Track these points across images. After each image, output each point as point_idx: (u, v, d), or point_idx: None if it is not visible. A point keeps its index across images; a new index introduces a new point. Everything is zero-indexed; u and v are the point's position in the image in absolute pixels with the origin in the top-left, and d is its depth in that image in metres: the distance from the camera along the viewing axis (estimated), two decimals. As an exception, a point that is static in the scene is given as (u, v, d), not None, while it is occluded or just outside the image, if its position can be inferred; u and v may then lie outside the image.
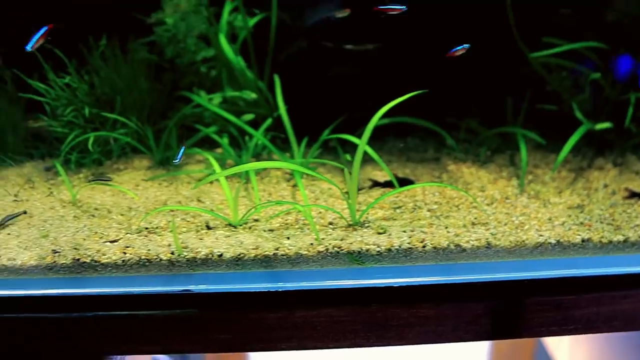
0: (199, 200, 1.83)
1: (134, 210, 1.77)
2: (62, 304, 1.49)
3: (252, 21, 2.14)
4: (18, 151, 2.08)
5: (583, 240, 1.60)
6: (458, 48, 1.64)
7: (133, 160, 2.12)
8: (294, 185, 1.92)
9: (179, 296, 1.49)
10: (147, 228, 1.66)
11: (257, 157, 2.11)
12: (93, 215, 1.73)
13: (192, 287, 1.49)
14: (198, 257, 1.53)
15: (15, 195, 1.86)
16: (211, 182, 1.92)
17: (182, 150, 1.68)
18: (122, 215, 1.74)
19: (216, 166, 1.77)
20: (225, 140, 2.08)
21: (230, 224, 1.67)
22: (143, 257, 1.53)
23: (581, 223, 1.69)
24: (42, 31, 1.65)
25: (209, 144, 2.16)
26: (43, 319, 1.48)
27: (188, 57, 2.16)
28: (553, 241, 1.59)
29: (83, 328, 1.49)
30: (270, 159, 2.09)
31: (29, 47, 1.64)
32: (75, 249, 1.56)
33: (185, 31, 2.14)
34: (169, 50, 2.16)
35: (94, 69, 2.08)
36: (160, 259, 1.53)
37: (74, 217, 1.73)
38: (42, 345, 1.51)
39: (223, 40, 2.10)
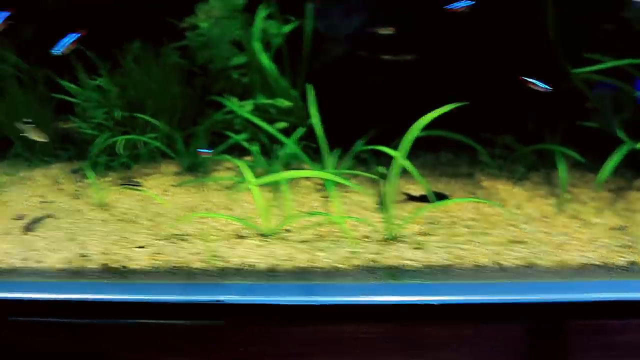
0: (227, 208, 1.79)
1: (161, 215, 1.73)
2: (88, 309, 1.46)
3: (286, 28, 2.11)
4: (46, 152, 2.06)
5: (629, 263, 1.54)
6: (533, 81, 1.59)
7: (160, 165, 2.09)
8: (325, 196, 1.87)
9: (206, 306, 1.45)
10: (175, 235, 1.62)
11: (286, 166, 2.07)
12: (120, 220, 1.70)
13: (223, 298, 1.45)
14: (228, 266, 1.49)
15: (42, 197, 1.83)
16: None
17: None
18: (150, 220, 1.70)
19: (249, 175, 1.73)
20: (255, 148, 2.04)
21: (261, 234, 1.63)
22: (172, 264, 1.49)
23: (623, 245, 1.62)
24: (73, 38, 1.63)
25: (238, 151, 2.13)
26: (68, 324, 1.45)
27: (220, 62, 2.13)
28: (597, 262, 1.53)
29: (106, 334, 1.45)
30: (299, 168, 2.04)
31: (54, 51, 1.62)
32: (103, 253, 1.52)
33: (218, 36, 2.11)
34: (201, 56, 2.13)
35: (126, 72, 2.06)
36: (189, 267, 1.49)
37: (102, 220, 1.70)
38: (66, 350, 1.47)
39: (258, 47, 2.08)
